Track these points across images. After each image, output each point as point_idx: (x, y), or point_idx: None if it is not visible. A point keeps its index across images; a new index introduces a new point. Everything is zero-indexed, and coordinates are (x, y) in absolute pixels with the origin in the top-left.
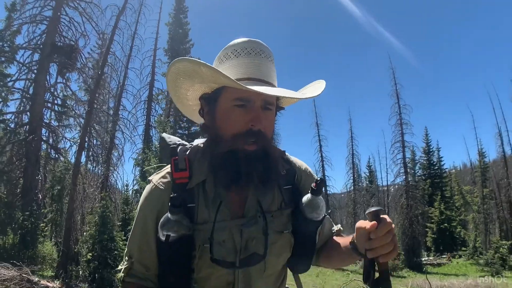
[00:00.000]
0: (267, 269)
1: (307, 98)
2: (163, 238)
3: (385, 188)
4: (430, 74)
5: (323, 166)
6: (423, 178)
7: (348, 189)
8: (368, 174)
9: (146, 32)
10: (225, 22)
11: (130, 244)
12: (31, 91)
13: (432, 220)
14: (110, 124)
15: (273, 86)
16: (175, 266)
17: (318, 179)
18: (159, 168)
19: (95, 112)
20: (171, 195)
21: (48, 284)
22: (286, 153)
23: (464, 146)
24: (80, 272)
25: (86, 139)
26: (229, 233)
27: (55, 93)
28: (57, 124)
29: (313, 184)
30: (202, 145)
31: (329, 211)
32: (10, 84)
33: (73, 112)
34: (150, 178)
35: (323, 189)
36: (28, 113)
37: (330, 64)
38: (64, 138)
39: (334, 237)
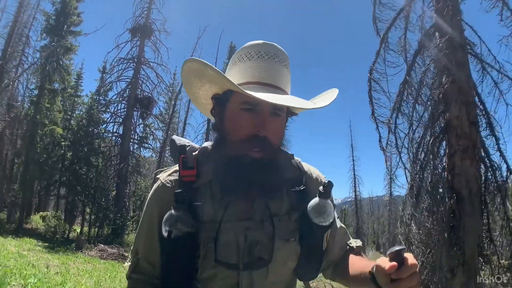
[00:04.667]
0: (270, 275)
1: (315, 108)
2: (165, 234)
3: None
4: None
5: (355, 185)
6: None
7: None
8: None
9: None
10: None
11: (136, 241)
12: (120, 131)
13: None
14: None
15: (283, 91)
16: (178, 264)
17: (326, 182)
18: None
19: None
20: (176, 191)
21: None
22: (296, 158)
23: None
24: None
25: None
26: (234, 235)
27: (138, 132)
28: (139, 154)
29: (320, 187)
30: (210, 146)
31: (337, 216)
32: (103, 126)
33: (151, 146)
34: (157, 176)
35: (331, 193)
36: (120, 146)
37: None
38: (144, 163)
39: (353, 256)
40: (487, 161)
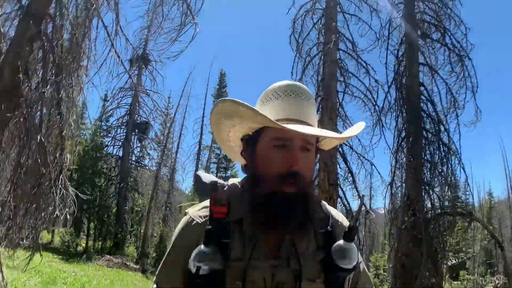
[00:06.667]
0: None
1: (345, 139)
2: (193, 270)
3: None
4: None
5: None
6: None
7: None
8: None
9: (197, 103)
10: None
11: (160, 273)
12: (120, 153)
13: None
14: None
15: (311, 126)
16: None
17: (351, 225)
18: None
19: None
20: (207, 227)
21: (135, 266)
22: (324, 202)
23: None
24: (149, 261)
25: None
26: (261, 274)
27: (135, 153)
28: (137, 174)
29: (346, 229)
30: (239, 184)
31: (361, 261)
32: (105, 149)
33: (148, 167)
34: (186, 210)
35: (356, 237)
36: (119, 167)
37: None
38: (142, 183)
39: None
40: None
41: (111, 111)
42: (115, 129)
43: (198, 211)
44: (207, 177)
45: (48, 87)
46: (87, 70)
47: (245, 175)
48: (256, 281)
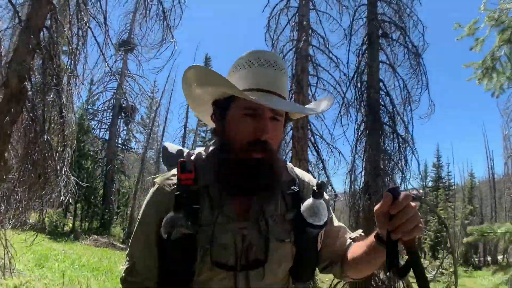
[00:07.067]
0: (266, 276)
1: (312, 114)
2: (165, 236)
3: None
4: None
5: None
6: (432, 190)
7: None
8: None
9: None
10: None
11: (132, 244)
12: (106, 136)
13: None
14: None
15: (282, 97)
16: (175, 266)
17: (319, 182)
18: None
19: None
20: (176, 193)
21: (121, 246)
22: (290, 164)
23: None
24: None
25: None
26: (231, 237)
27: (122, 136)
28: (123, 156)
29: (314, 187)
30: (206, 152)
31: (332, 215)
32: (92, 131)
33: (134, 150)
34: (155, 180)
35: (325, 193)
36: (106, 150)
37: None
38: (129, 166)
39: (357, 243)
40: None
41: (97, 95)
42: (102, 113)
43: (166, 180)
44: (174, 148)
45: (51, 93)
46: (83, 79)
47: (212, 141)
48: (226, 244)
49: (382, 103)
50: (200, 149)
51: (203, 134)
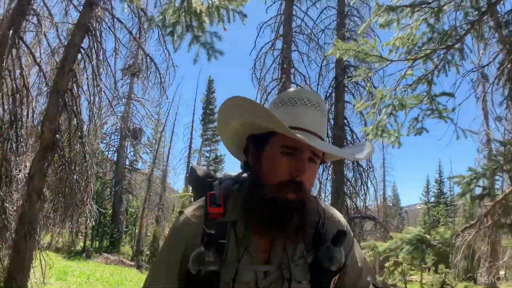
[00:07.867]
0: None
1: (355, 160)
2: (194, 272)
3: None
4: None
5: None
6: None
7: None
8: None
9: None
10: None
11: (152, 271)
12: (114, 158)
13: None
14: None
15: (322, 140)
16: None
17: (339, 231)
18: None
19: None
20: (208, 231)
21: (130, 263)
22: (319, 200)
23: None
24: (143, 258)
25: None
26: (254, 275)
27: (129, 157)
28: (131, 177)
29: (334, 234)
30: (237, 178)
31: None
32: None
33: (141, 171)
34: (182, 209)
35: (343, 242)
36: (114, 171)
37: None
38: (136, 186)
39: None
40: None
41: (105, 119)
42: (109, 136)
43: (194, 210)
44: (201, 170)
45: (78, 146)
46: (100, 126)
47: (244, 172)
48: (249, 283)
49: (347, 137)
50: (227, 175)
51: (207, 155)
